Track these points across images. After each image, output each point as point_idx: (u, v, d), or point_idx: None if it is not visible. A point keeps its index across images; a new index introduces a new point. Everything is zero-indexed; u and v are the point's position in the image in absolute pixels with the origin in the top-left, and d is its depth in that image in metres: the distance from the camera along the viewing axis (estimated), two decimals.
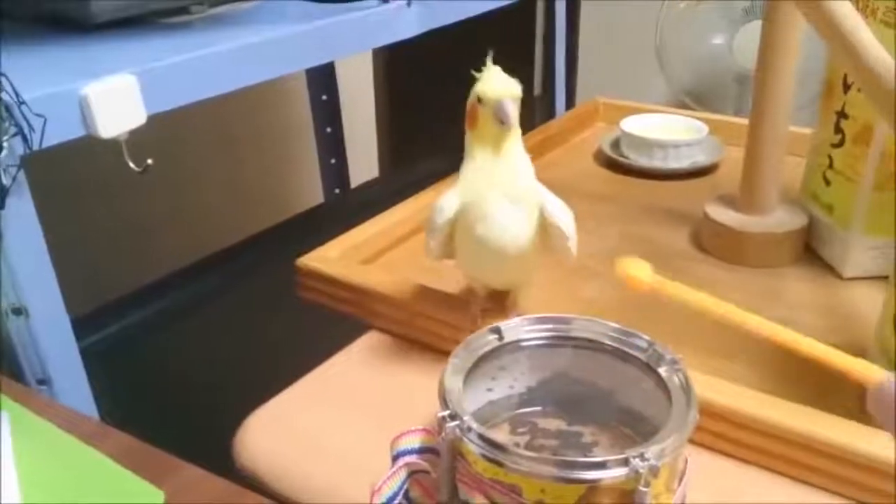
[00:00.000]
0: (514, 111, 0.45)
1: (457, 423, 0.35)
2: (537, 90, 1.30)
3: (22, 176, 0.46)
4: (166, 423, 0.53)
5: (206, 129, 1.21)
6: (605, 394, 0.44)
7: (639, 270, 0.39)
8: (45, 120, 0.46)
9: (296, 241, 0.68)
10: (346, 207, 1.18)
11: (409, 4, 0.72)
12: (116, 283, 0.79)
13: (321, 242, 0.65)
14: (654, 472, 0.33)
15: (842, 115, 0.63)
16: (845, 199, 0.64)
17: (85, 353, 0.52)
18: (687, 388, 0.38)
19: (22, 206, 0.47)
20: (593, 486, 0.33)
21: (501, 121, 0.45)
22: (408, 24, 0.73)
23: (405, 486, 0.40)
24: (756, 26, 0.73)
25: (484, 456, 0.34)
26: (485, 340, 0.42)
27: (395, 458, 0.40)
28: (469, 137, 0.47)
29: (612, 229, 0.74)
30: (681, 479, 0.37)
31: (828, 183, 0.66)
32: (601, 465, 0.33)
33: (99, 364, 0.55)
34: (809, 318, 0.60)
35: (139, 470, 0.36)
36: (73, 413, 0.42)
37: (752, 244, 0.67)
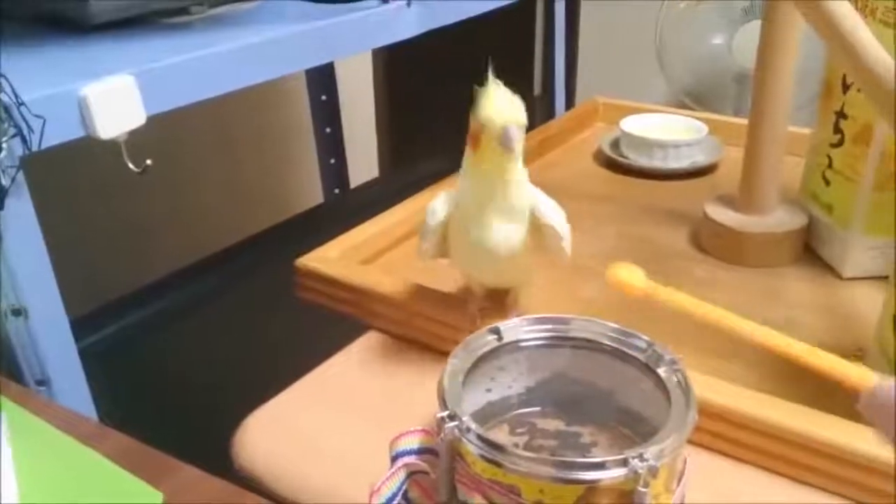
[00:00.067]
0: (519, 137, 0.45)
1: (456, 423, 0.35)
2: (537, 90, 1.30)
3: (21, 177, 0.46)
4: (165, 423, 0.53)
5: (205, 129, 1.21)
6: (604, 394, 0.44)
7: (631, 276, 0.39)
8: (45, 121, 0.46)
9: (295, 241, 0.68)
10: (345, 208, 1.18)
11: (408, 5, 0.72)
12: (115, 283, 0.79)
13: (320, 243, 0.65)
14: (652, 472, 0.33)
15: (841, 114, 0.63)
16: (845, 198, 0.63)
17: (84, 354, 0.52)
18: (686, 388, 0.38)
19: (21, 206, 0.47)
20: (592, 486, 0.33)
21: (506, 147, 0.44)
22: (407, 25, 0.73)
23: (404, 487, 0.40)
24: (755, 26, 0.73)
25: (483, 456, 0.34)
26: (484, 341, 0.42)
27: (393, 459, 0.40)
28: (468, 155, 0.47)
29: (612, 229, 0.74)
30: (680, 480, 0.37)
31: (827, 183, 0.66)
32: (600, 466, 0.33)
33: (98, 365, 0.55)
34: (809, 318, 0.60)
35: (138, 471, 0.36)
36: (71, 414, 0.42)
37: (751, 244, 0.67)
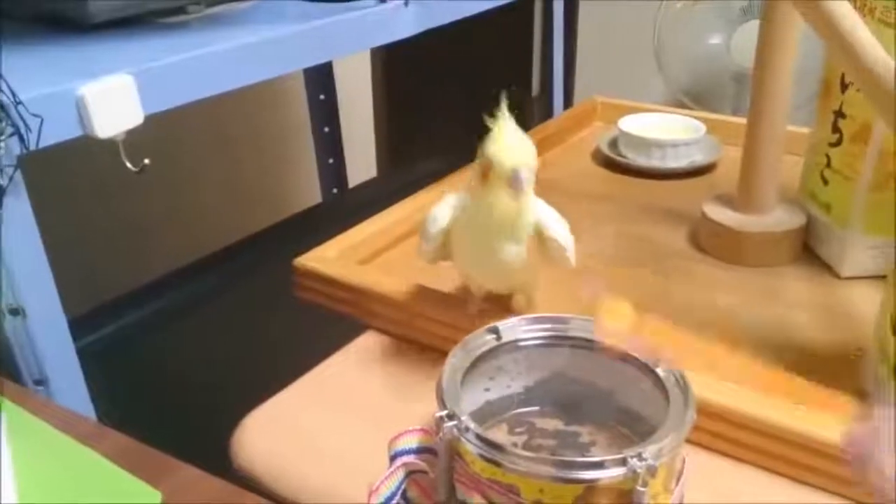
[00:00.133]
0: (529, 179, 0.44)
1: (454, 423, 0.35)
2: (535, 90, 1.30)
3: (19, 176, 0.46)
4: (163, 423, 0.53)
5: (203, 128, 1.20)
6: (602, 393, 0.44)
7: (617, 317, 0.39)
8: (42, 120, 0.46)
9: (293, 240, 0.68)
10: (343, 207, 1.18)
11: (406, 4, 0.72)
12: (113, 283, 0.79)
13: (319, 242, 0.65)
14: (651, 471, 0.33)
15: (839, 114, 0.63)
16: (843, 198, 0.64)
17: (82, 354, 0.52)
18: (684, 387, 0.38)
19: (19, 206, 0.47)
20: (591, 485, 0.33)
21: (515, 189, 0.44)
22: (405, 24, 0.73)
23: (403, 487, 0.40)
24: (754, 26, 0.73)
25: (482, 456, 0.34)
26: (482, 340, 0.42)
27: (392, 458, 0.40)
28: (476, 183, 0.47)
29: (611, 229, 0.74)
30: (679, 479, 0.37)
31: (826, 182, 0.66)
32: (599, 465, 0.33)
33: (96, 364, 0.54)
34: (807, 318, 0.60)
35: (136, 470, 0.35)
36: (69, 413, 0.42)
37: (750, 243, 0.67)
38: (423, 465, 0.39)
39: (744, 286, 0.64)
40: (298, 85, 1.26)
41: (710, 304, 0.62)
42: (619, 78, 1.66)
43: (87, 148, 0.50)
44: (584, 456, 0.42)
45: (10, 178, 0.46)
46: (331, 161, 1.29)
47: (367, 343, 0.58)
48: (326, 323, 0.61)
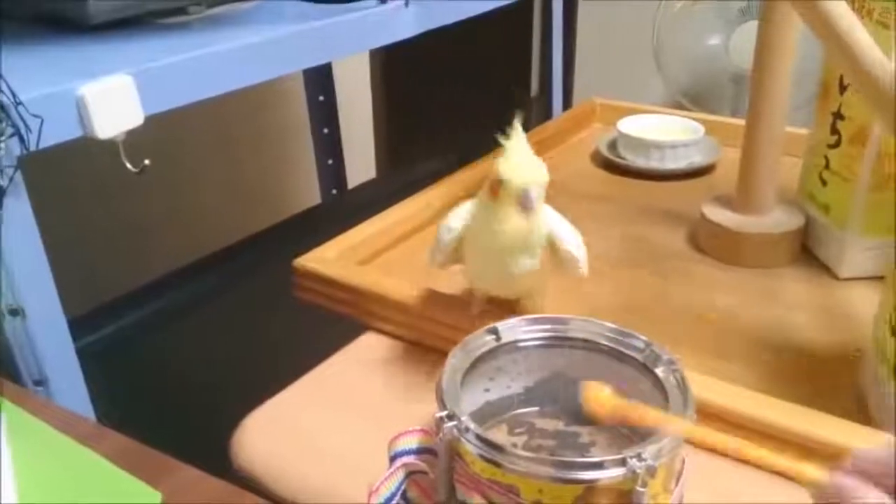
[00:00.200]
0: (538, 197, 0.45)
1: (454, 423, 0.35)
2: (534, 90, 1.30)
3: (19, 177, 0.46)
4: (163, 423, 0.53)
5: (203, 129, 1.20)
6: None
7: (599, 397, 0.38)
8: (42, 120, 0.46)
9: (293, 241, 0.68)
10: (343, 208, 1.18)
11: (406, 5, 0.72)
12: (113, 283, 0.79)
13: (318, 243, 0.65)
14: (651, 472, 0.33)
15: (838, 115, 0.63)
16: (842, 199, 0.64)
17: (81, 354, 0.52)
18: (684, 388, 0.38)
19: (19, 206, 0.47)
20: (591, 486, 0.33)
21: (524, 208, 0.45)
22: (405, 25, 0.73)
23: (403, 487, 0.40)
24: (752, 27, 0.73)
25: (482, 456, 0.34)
26: (482, 341, 0.42)
27: (392, 459, 0.40)
28: (486, 198, 0.47)
29: (610, 230, 0.74)
30: (678, 479, 0.37)
31: (824, 183, 0.66)
32: (598, 466, 0.33)
33: (96, 365, 0.54)
34: (806, 318, 0.60)
35: (136, 471, 0.36)
36: (69, 414, 0.42)
37: (748, 244, 0.67)
38: (422, 466, 0.39)
39: (742, 287, 0.64)
40: (298, 86, 1.26)
41: (708, 304, 0.62)
42: (618, 79, 1.66)
43: (87, 148, 0.50)
44: (583, 456, 0.42)
45: (11, 179, 0.46)
46: (330, 162, 1.29)
47: (367, 344, 0.59)
48: (326, 323, 0.61)
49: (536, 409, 0.46)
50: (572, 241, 0.49)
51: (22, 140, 0.46)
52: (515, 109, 0.46)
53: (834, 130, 0.64)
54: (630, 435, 0.43)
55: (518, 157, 0.45)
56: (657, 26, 1.43)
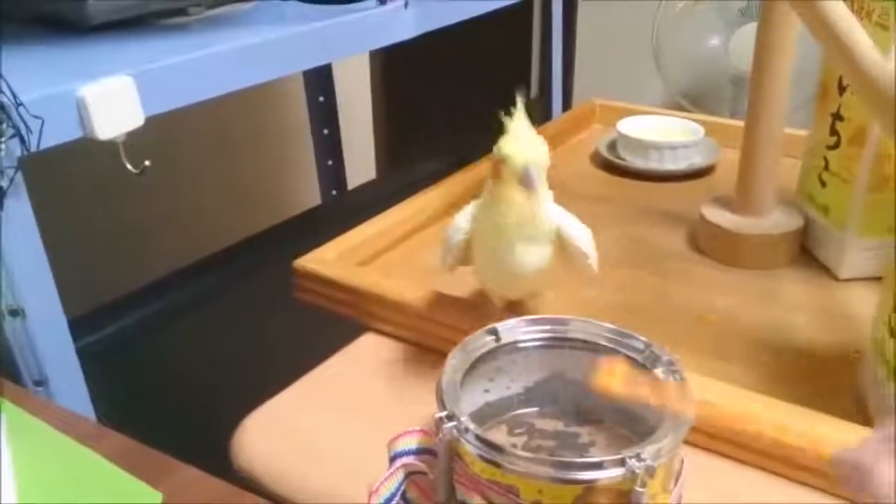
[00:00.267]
0: (540, 178, 0.45)
1: (454, 424, 0.36)
2: (534, 91, 1.30)
3: (19, 177, 0.46)
4: (163, 424, 0.53)
5: (203, 130, 1.21)
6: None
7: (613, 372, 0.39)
8: (43, 121, 0.46)
9: (293, 242, 0.68)
10: (343, 209, 1.18)
11: (406, 6, 0.72)
12: (113, 284, 0.79)
13: (318, 244, 0.65)
14: (650, 472, 0.33)
15: (837, 116, 0.63)
16: (841, 200, 0.64)
17: (82, 354, 0.52)
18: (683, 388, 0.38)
19: (19, 207, 0.47)
20: (590, 486, 0.33)
21: (526, 187, 0.45)
22: (405, 26, 0.73)
23: (402, 488, 0.40)
24: (752, 28, 0.74)
25: (481, 457, 0.35)
26: (482, 342, 0.42)
27: (392, 460, 0.40)
28: (490, 182, 0.47)
29: (609, 231, 0.74)
30: (677, 480, 0.37)
31: (823, 184, 0.66)
32: (598, 466, 0.33)
33: (96, 365, 0.55)
34: (805, 319, 0.60)
35: (136, 471, 0.36)
36: (69, 414, 0.42)
37: (748, 245, 0.67)
38: (422, 466, 0.40)
39: (742, 288, 0.64)
40: (298, 87, 1.26)
41: (708, 305, 0.62)
42: (618, 80, 1.66)
43: (87, 149, 0.50)
44: (582, 457, 0.42)
45: (11, 180, 0.46)
46: (330, 163, 1.29)
47: (367, 344, 0.59)
48: (326, 324, 0.61)
49: (536, 409, 0.46)
50: (582, 236, 0.49)
51: (22, 141, 0.46)
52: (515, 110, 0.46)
53: (833, 131, 0.64)
54: (629, 435, 0.43)
55: (519, 137, 0.45)
56: (657, 27, 1.43)
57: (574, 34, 1.75)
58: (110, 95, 0.50)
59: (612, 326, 0.43)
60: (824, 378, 0.53)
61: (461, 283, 0.57)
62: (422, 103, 1.73)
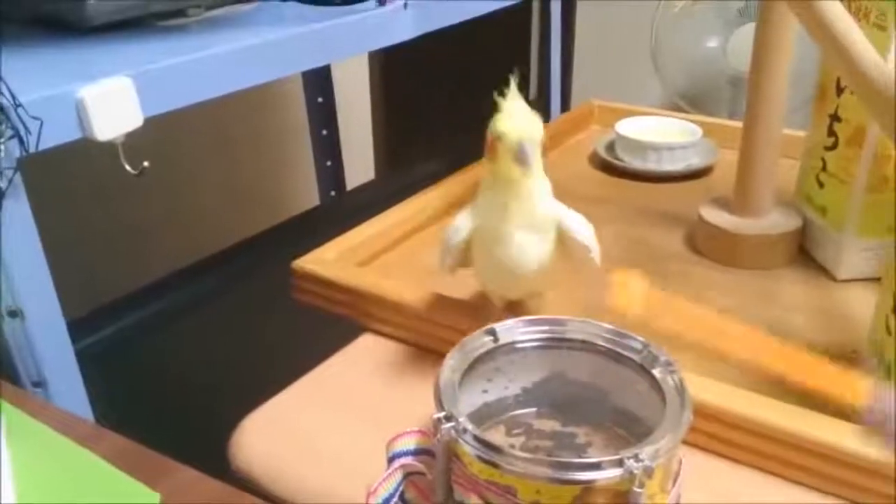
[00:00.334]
0: (534, 154, 0.45)
1: (452, 424, 0.36)
2: (533, 93, 1.30)
3: (18, 178, 0.46)
4: (162, 425, 0.53)
5: (202, 131, 1.21)
6: (599, 395, 0.44)
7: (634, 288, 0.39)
8: (42, 122, 0.46)
9: (292, 243, 0.68)
10: (341, 210, 1.18)
11: (405, 7, 0.72)
12: (112, 285, 0.79)
13: (317, 245, 0.65)
14: (648, 472, 0.33)
15: (835, 117, 0.64)
16: (839, 201, 0.64)
17: (80, 356, 0.52)
18: (681, 389, 0.38)
19: (18, 208, 0.47)
20: (588, 486, 0.33)
21: (520, 163, 0.45)
22: (404, 27, 0.73)
23: (401, 488, 0.40)
24: (750, 29, 0.74)
25: (479, 457, 0.35)
26: (480, 342, 0.42)
27: (390, 460, 0.40)
28: (486, 164, 0.47)
29: (608, 231, 0.74)
30: (675, 480, 0.37)
31: (821, 185, 0.66)
32: (596, 466, 0.33)
33: (94, 366, 0.55)
34: (803, 320, 0.60)
35: (134, 472, 0.36)
36: (68, 415, 0.42)
37: (746, 246, 0.67)
38: (420, 467, 0.40)
39: (740, 288, 0.65)
40: (297, 88, 1.26)
41: (706, 306, 0.62)
42: (616, 81, 1.66)
43: (86, 150, 0.50)
44: (580, 457, 0.42)
45: (10, 181, 0.46)
46: (329, 163, 1.29)
47: (365, 345, 0.59)
48: (325, 325, 0.61)
49: (534, 410, 0.46)
50: (582, 229, 0.49)
51: (21, 142, 0.46)
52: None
53: (831, 132, 0.64)
54: (627, 436, 0.43)
55: (514, 114, 0.45)
56: (655, 28, 1.43)
57: (573, 35, 1.75)
58: (109, 96, 0.50)
59: (609, 326, 0.43)
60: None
61: (460, 284, 0.57)
62: (421, 104, 1.73)
